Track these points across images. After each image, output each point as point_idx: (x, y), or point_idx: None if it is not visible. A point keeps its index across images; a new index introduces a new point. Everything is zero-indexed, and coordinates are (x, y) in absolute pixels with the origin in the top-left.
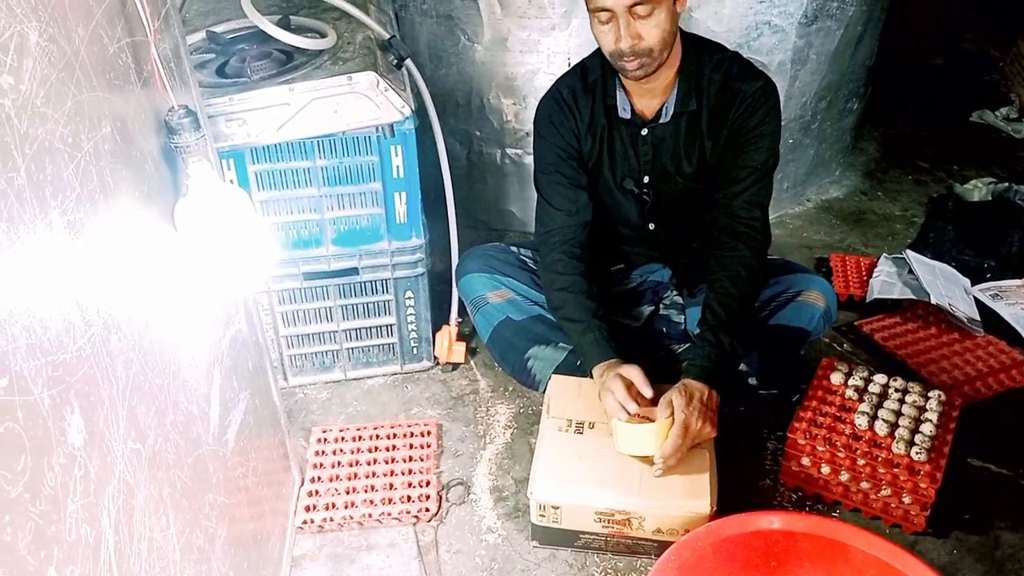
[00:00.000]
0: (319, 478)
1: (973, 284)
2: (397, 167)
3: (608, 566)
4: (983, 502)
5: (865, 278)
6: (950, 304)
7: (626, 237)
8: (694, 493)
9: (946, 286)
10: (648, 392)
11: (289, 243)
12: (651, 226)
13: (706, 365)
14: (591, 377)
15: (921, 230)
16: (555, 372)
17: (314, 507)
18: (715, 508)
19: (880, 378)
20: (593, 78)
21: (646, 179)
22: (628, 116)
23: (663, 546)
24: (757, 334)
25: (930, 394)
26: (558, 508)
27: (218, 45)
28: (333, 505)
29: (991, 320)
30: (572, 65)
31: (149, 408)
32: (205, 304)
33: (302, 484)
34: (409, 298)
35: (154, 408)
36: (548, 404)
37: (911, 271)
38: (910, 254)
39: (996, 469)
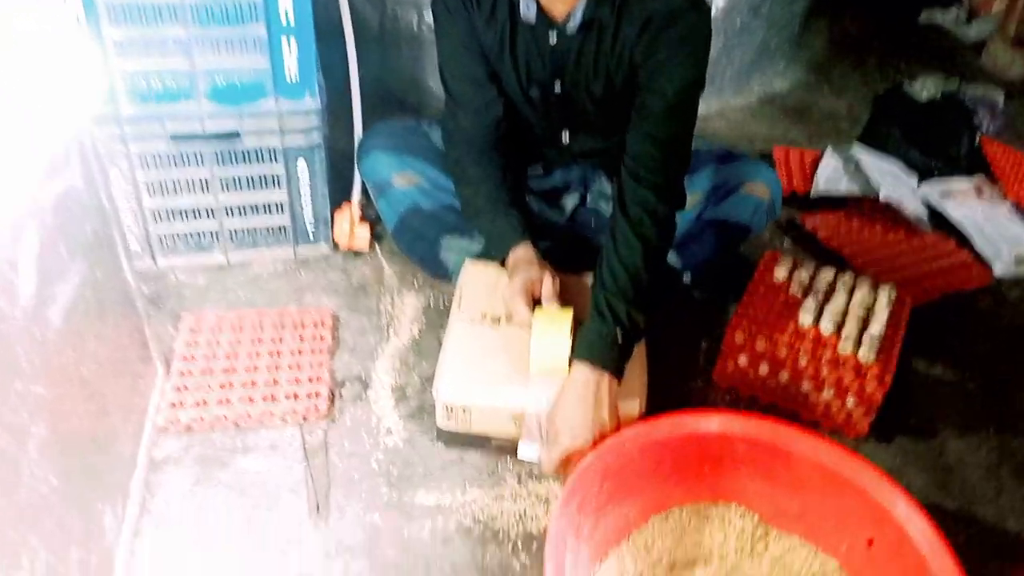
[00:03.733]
0: (188, 371)
1: (920, 183)
2: (285, 11)
3: (523, 471)
4: (927, 408)
5: (809, 172)
6: (900, 201)
7: (541, 140)
8: (622, 393)
9: (893, 184)
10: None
11: (152, 95)
12: (565, 138)
13: (595, 342)
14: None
15: (866, 127)
16: None
17: (181, 404)
18: (644, 410)
19: (827, 273)
20: None
21: (556, 89)
22: (532, 21)
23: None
24: (693, 229)
25: (880, 290)
26: (467, 410)
27: None
28: (204, 402)
29: (938, 222)
30: None
31: None
32: (11, 142)
33: (167, 377)
34: (303, 171)
35: None
36: (460, 294)
37: (858, 166)
38: (858, 148)
39: (941, 374)
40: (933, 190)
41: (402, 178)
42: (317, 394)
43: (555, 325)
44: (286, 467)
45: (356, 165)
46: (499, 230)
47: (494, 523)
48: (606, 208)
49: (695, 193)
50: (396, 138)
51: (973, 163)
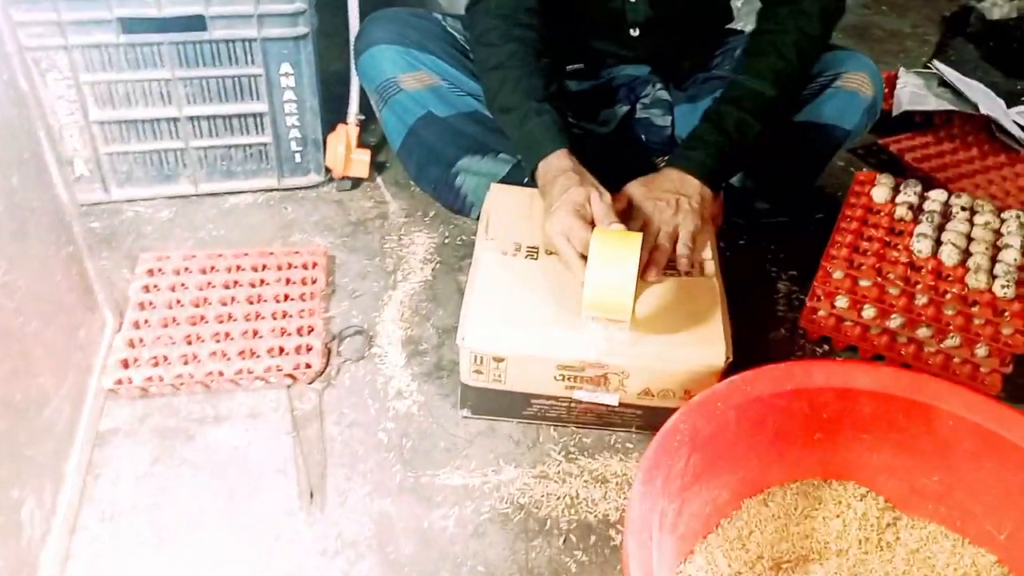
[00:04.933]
0: (146, 322)
1: (1009, 107)
2: None
3: (570, 443)
4: None
5: (886, 91)
6: (1000, 119)
7: (590, 28)
8: (702, 338)
9: (987, 102)
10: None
11: None
12: (634, 31)
13: (693, 151)
14: (534, 184)
15: (938, 47)
16: None
17: (135, 361)
18: (731, 359)
19: (938, 194)
20: None
21: None
22: None
23: (650, 416)
24: (774, 137)
25: (1005, 215)
26: (502, 361)
27: None
28: (165, 359)
29: None
30: None
31: None
32: None
33: (119, 329)
34: (287, 74)
35: None
36: (487, 221)
37: (942, 83)
38: (939, 64)
39: None
40: None
41: (412, 79)
42: (308, 348)
43: (619, 249)
44: (270, 440)
45: (353, 65)
46: (529, 132)
47: (538, 510)
48: (661, 118)
49: None
50: (405, 27)
51: None
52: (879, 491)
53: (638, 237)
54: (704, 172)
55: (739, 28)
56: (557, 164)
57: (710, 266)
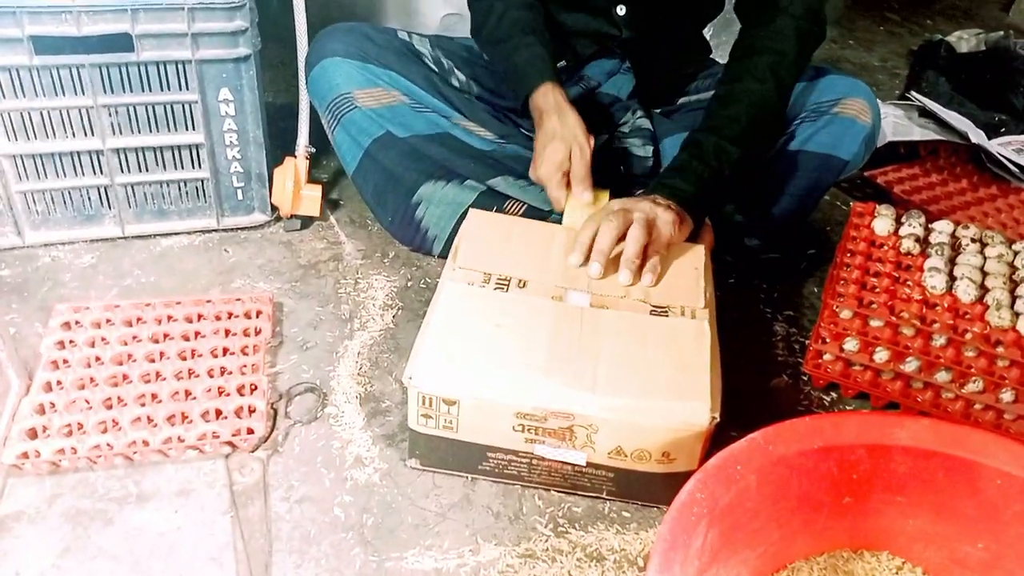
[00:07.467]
0: (59, 383)
1: (989, 139)
2: None
3: (558, 513)
4: None
5: None
6: (990, 148)
7: (578, 18)
8: (683, 391)
9: (973, 133)
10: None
11: None
12: (620, 9)
13: (672, 179)
14: (526, 110)
15: (909, 80)
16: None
17: (44, 430)
18: (718, 419)
19: (944, 225)
20: None
21: None
22: None
23: (623, 480)
24: (767, 171)
25: (1017, 247)
26: (453, 405)
27: None
28: (80, 427)
29: None
30: None
31: None
32: None
33: (26, 393)
34: (226, 101)
35: None
36: (457, 248)
37: (923, 113)
38: (918, 95)
39: None
40: (1007, 145)
41: (369, 96)
42: (250, 410)
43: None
44: (204, 523)
45: (304, 82)
46: (521, 63)
47: None
48: (642, 149)
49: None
50: (363, 40)
51: None
52: (916, 562)
53: (605, 195)
54: (683, 199)
55: (717, 60)
56: (542, 102)
57: (702, 310)
